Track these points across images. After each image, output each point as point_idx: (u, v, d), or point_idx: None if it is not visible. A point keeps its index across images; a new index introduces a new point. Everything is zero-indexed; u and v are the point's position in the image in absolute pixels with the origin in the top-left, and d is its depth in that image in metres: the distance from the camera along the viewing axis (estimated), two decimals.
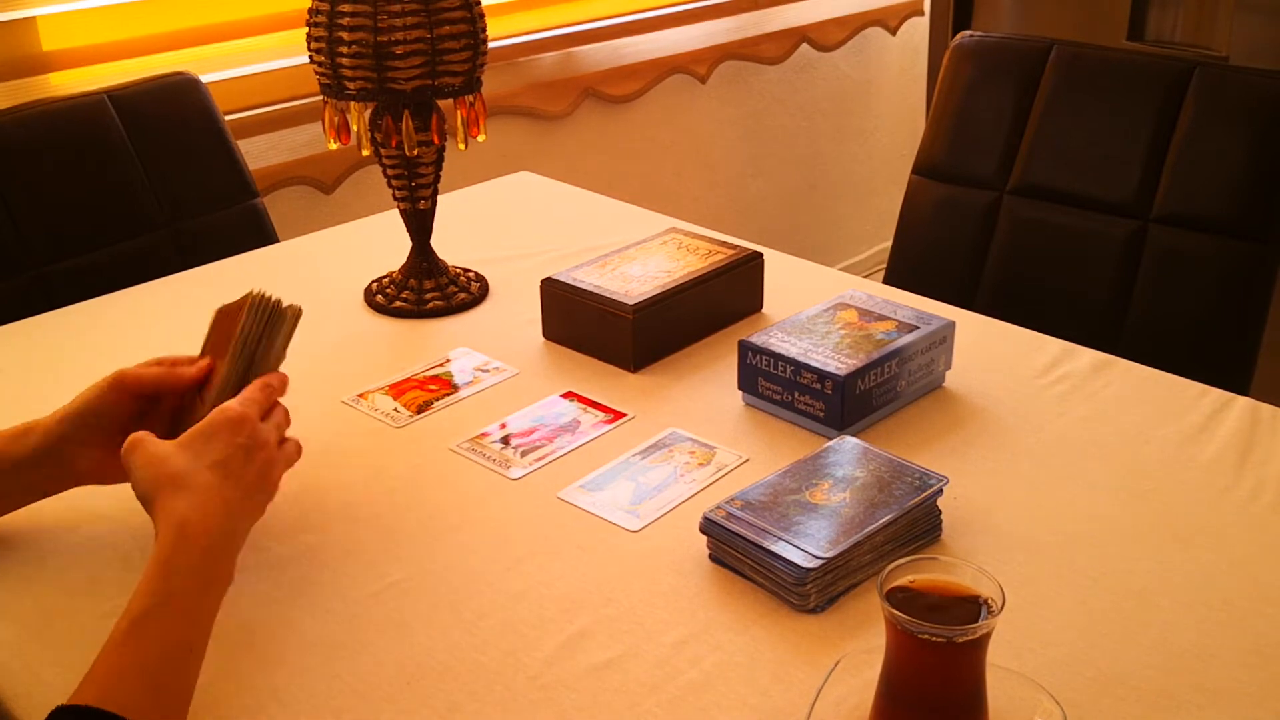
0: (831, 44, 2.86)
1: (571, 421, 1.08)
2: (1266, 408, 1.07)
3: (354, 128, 1.25)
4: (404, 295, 1.32)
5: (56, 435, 0.88)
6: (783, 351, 1.06)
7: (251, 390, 0.87)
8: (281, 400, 0.91)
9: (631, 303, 1.15)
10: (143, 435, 0.82)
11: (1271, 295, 1.42)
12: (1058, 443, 1.03)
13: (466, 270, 1.38)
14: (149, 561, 0.75)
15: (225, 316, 0.93)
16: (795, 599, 0.83)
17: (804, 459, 0.93)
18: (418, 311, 1.30)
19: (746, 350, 1.08)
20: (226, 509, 0.79)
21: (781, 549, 0.83)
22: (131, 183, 1.54)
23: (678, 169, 2.68)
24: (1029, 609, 0.83)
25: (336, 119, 1.24)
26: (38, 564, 0.90)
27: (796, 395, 1.05)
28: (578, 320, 1.19)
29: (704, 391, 1.13)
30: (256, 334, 0.90)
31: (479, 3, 1.24)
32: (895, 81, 3.10)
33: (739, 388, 1.10)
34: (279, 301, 0.92)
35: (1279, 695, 0.75)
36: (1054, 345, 1.19)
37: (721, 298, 1.24)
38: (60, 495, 0.92)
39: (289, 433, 0.91)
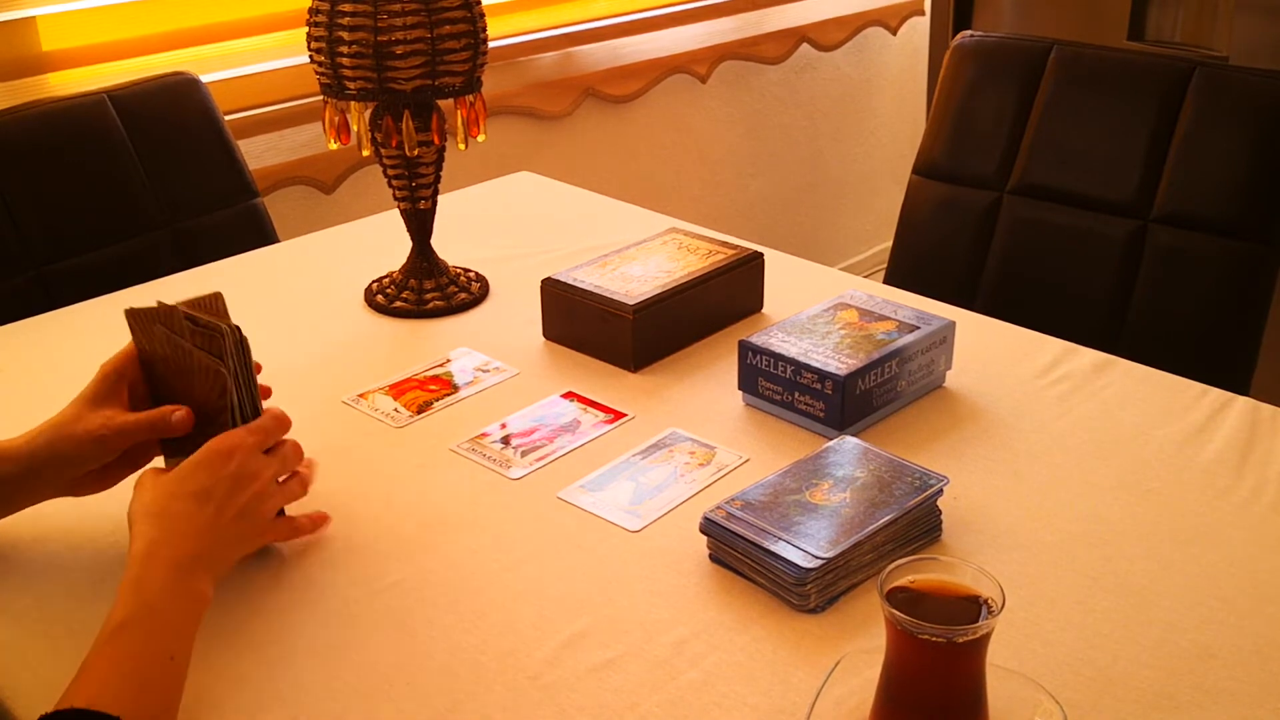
0: (831, 44, 2.86)
1: (572, 421, 1.08)
2: (1266, 408, 1.07)
3: (354, 128, 1.25)
4: (404, 295, 1.32)
5: (28, 465, 0.88)
6: (783, 351, 1.06)
7: (262, 420, 0.87)
8: (281, 405, 0.90)
9: (632, 303, 1.15)
10: (147, 470, 0.85)
11: (1271, 295, 1.42)
12: (1058, 443, 1.03)
13: (467, 270, 1.38)
14: (121, 581, 0.76)
15: (153, 319, 0.87)
16: (795, 599, 0.83)
17: (804, 459, 0.93)
18: (418, 311, 1.30)
19: (746, 350, 1.08)
20: (198, 535, 0.80)
21: (781, 549, 0.83)
22: (131, 183, 1.54)
23: (678, 169, 2.68)
24: (1029, 609, 0.83)
25: (336, 119, 1.24)
26: (38, 564, 0.90)
27: (797, 395, 1.05)
28: (578, 320, 1.19)
29: (704, 391, 1.13)
30: (238, 360, 0.88)
31: (479, 3, 1.24)
32: (895, 81, 3.10)
33: (739, 388, 1.10)
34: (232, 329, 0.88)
35: (1279, 695, 0.75)
36: (1054, 345, 1.19)
37: (721, 298, 1.24)
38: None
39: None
